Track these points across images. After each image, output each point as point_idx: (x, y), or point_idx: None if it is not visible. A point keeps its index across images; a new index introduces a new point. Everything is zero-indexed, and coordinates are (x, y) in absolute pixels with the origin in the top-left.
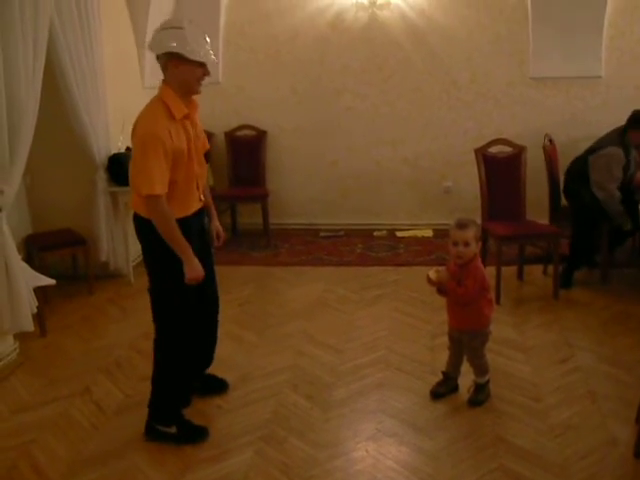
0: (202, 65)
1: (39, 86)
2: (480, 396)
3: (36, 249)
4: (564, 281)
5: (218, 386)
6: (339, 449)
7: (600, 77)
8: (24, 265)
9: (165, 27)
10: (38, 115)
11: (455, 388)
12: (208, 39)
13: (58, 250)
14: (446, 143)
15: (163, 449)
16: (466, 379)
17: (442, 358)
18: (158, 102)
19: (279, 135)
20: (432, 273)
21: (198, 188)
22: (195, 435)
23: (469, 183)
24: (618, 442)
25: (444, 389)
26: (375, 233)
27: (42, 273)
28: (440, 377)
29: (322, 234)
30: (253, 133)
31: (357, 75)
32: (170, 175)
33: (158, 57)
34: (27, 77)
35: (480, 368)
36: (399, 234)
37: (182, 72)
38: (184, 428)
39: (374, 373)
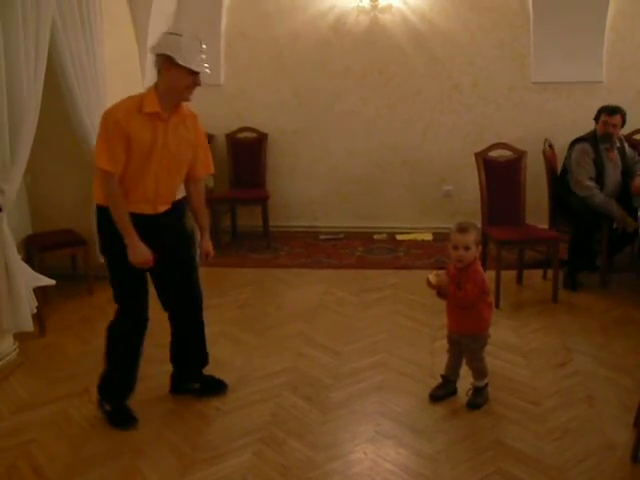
0: (193, 74)
1: (40, 86)
2: (479, 399)
3: (36, 249)
4: (570, 284)
5: (216, 387)
6: (338, 451)
7: (601, 82)
8: (24, 265)
9: (167, 32)
10: (39, 115)
11: (454, 391)
12: (204, 54)
13: (58, 250)
14: (447, 147)
15: (162, 450)
16: (465, 382)
17: (441, 361)
18: (137, 96)
19: (280, 137)
20: (432, 276)
21: (157, 195)
22: (121, 421)
23: (469, 187)
24: (616, 446)
25: (443, 392)
26: (375, 236)
27: (42, 273)
28: (439, 380)
29: (322, 237)
30: (254, 135)
31: (358, 78)
32: (124, 160)
33: (156, 59)
34: (28, 77)
35: (479, 371)
36: (399, 237)
37: (172, 76)
38: (116, 410)
39: (373, 376)
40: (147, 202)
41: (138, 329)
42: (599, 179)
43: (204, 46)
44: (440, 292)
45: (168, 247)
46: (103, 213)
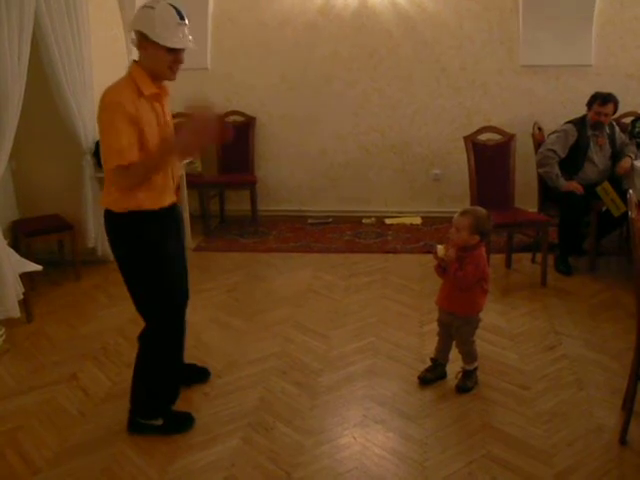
0: (172, 51)
1: (25, 71)
2: (468, 383)
3: (22, 235)
4: (564, 269)
5: (200, 375)
6: (326, 436)
7: (590, 65)
8: (10, 251)
9: (143, 5)
10: (24, 100)
11: (443, 375)
12: (183, 26)
13: (45, 236)
14: (435, 130)
15: (150, 436)
16: (454, 366)
17: (430, 345)
18: (126, 78)
19: (268, 122)
20: (441, 249)
21: (173, 179)
22: (182, 424)
23: (458, 171)
24: (604, 429)
25: (432, 375)
26: (364, 220)
27: (28, 259)
28: (428, 364)
29: (310, 221)
30: (242, 119)
31: (346, 62)
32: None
33: (134, 37)
34: (12, 62)
35: (469, 355)
36: (388, 221)
37: (150, 55)
38: (171, 419)
39: (362, 360)
40: (170, 190)
41: (183, 325)
42: (580, 161)
43: (183, 15)
44: (440, 266)
45: (182, 238)
46: (120, 219)
